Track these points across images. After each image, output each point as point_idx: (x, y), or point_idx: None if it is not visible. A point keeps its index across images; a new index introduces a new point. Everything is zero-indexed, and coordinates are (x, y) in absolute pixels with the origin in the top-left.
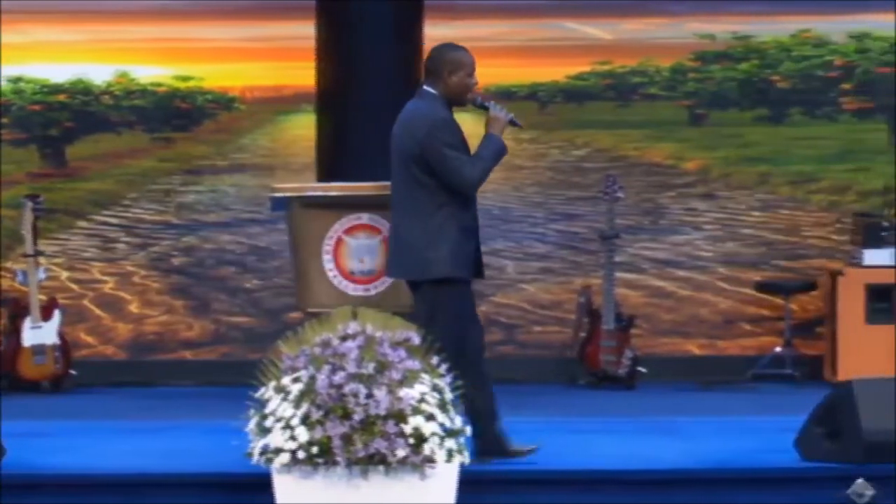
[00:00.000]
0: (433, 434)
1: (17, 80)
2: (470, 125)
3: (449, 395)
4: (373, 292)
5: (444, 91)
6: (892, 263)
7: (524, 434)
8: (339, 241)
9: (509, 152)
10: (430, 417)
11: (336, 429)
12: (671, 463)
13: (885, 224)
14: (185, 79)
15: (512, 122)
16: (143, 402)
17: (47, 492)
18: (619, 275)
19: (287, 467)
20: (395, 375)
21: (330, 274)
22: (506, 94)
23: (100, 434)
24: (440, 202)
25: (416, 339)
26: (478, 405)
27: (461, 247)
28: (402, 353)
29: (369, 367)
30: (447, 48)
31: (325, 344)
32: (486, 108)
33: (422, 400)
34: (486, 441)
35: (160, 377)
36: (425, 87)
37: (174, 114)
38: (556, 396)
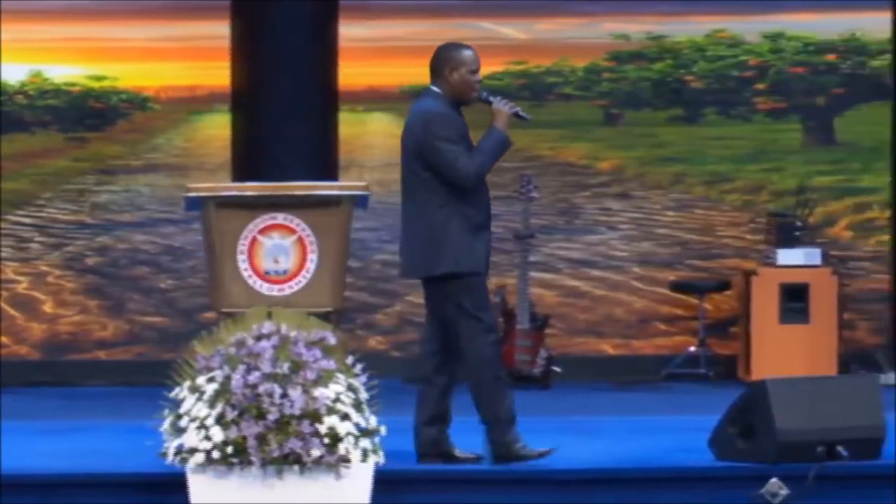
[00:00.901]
0: (348, 434)
1: None
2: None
3: (364, 395)
4: (287, 292)
5: (448, 89)
6: (806, 263)
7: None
8: (253, 241)
9: None
10: (345, 417)
11: (251, 428)
12: (586, 462)
13: (799, 224)
14: (100, 78)
15: (518, 116)
16: (58, 402)
17: None
18: (533, 274)
19: (202, 467)
20: (310, 375)
21: (244, 274)
22: (420, 94)
23: (14, 434)
24: (443, 200)
25: (331, 339)
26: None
27: (467, 243)
28: (317, 352)
29: (284, 367)
30: (448, 47)
31: (240, 344)
32: (489, 103)
33: (337, 399)
34: (497, 445)
35: (74, 377)
36: (431, 86)
37: (88, 113)
38: (469, 395)
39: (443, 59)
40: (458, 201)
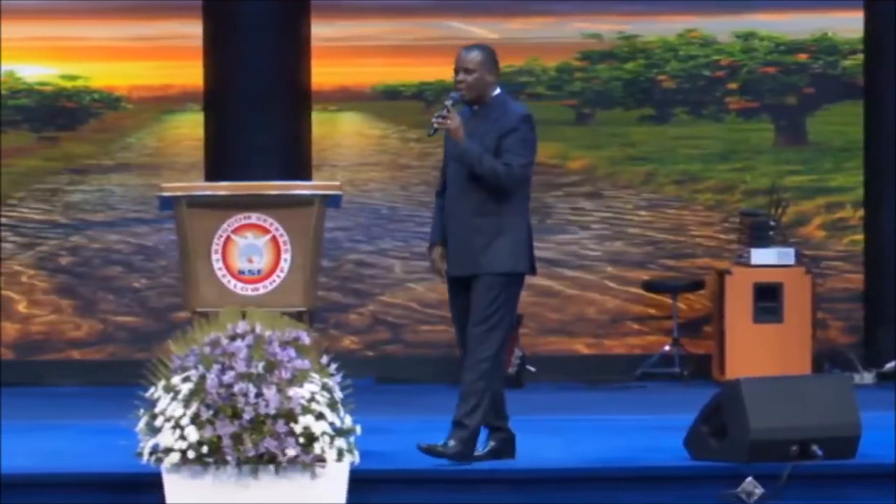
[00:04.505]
0: (323, 433)
1: None
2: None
3: (339, 395)
4: (261, 292)
5: None
6: (779, 263)
7: (410, 434)
8: (227, 241)
9: (395, 151)
10: (320, 417)
11: (226, 428)
12: (558, 462)
13: (772, 223)
14: (72, 78)
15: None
16: (31, 401)
17: None
18: None
19: (177, 467)
20: (285, 375)
21: (218, 273)
22: (392, 94)
23: None
24: None
25: (306, 339)
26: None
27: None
28: (292, 352)
29: (258, 367)
30: None
31: (215, 343)
32: None
33: (311, 399)
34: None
35: (47, 377)
36: None
37: (60, 113)
38: (442, 396)
39: None
40: None
